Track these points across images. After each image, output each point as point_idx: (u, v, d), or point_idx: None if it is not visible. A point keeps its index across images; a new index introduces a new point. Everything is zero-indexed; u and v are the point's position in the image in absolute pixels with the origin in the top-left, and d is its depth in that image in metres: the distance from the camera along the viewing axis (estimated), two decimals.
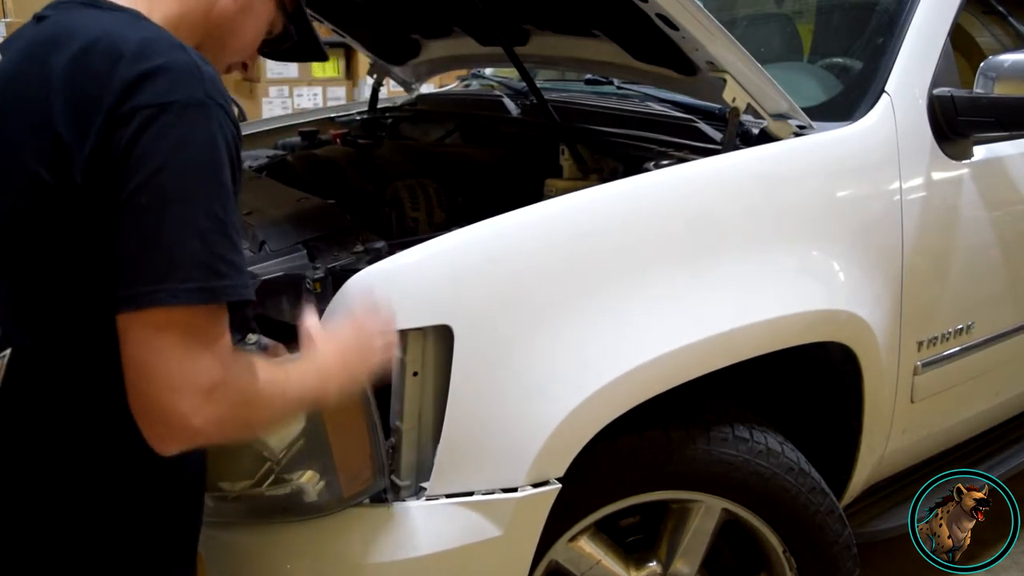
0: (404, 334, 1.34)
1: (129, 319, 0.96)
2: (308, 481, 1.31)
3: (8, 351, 1.04)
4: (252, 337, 1.30)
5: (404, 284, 1.38)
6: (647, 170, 1.63)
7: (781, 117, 1.73)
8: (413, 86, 2.91)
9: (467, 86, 3.04)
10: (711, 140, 1.83)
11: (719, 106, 1.82)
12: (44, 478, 1.07)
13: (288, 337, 1.40)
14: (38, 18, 1.12)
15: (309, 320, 1.20)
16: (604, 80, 2.33)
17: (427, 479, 1.37)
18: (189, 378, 0.95)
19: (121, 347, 0.97)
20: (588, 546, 1.60)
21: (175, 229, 0.96)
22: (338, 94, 5.36)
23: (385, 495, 1.37)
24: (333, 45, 5.24)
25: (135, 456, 1.04)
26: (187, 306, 0.96)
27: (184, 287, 0.96)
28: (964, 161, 1.95)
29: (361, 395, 1.31)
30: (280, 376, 1.08)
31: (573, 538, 1.57)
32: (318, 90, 5.40)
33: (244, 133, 2.63)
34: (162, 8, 1.13)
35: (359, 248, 1.65)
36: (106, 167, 0.98)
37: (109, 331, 0.98)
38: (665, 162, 1.70)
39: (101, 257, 1.00)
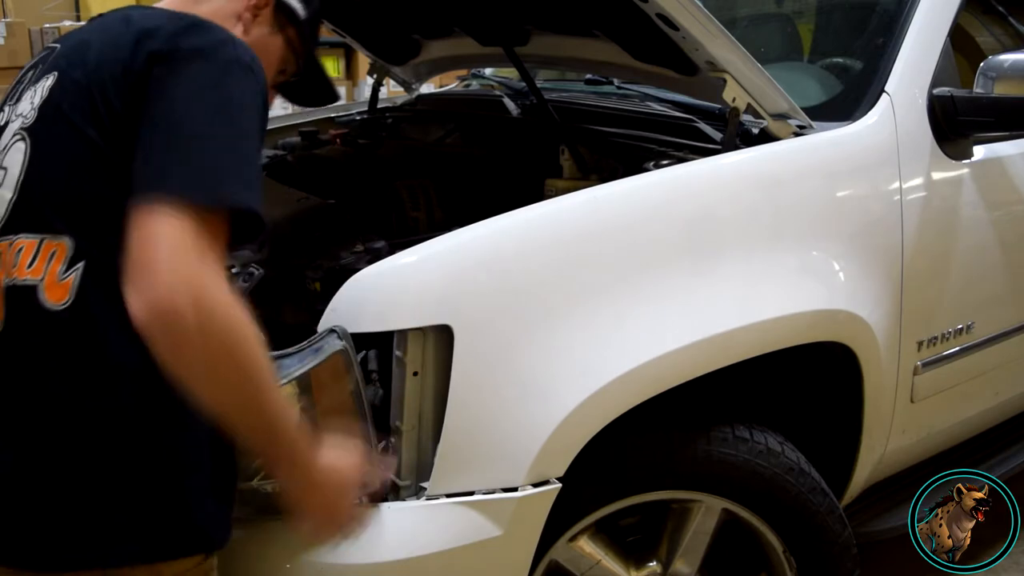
0: (404, 334, 1.34)
1: (149, 211, 1.01)
2: None
3: (82, 264, 1.12)
4: None
5: (404, 284, 1.38)
6: (647, 170, 1.63)
7: (781, 117, 1.73)
8: (413, 86, 2.91)
9: (467, 86, 3.04)
10: (711, 140, 1.83)
11: (719, 106, 1.82)
12: (102, 389, 1.12)
13: (287, 337, 1.40)
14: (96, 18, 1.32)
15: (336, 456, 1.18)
16: (604, 80, 2.33)
17: (427, 479, 1.37)
18: (184, 262, 0.99)
19: (132, 233, 1.01)
20: (588, 546, 1.60)
21: (199, 138, 1.07)
22: (338, 94, 5.36)
23: (385, 495, 1.38)
24: (333, 45, 5.25)
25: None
26: (203, 206, 1.03)
27: (203, 187, 1.04)
28: (964, 161, 1.95)
29: (353, 393, 1.31)
30: (270, 378, 1.07)
31: (573, 538, 1.57)
32: None
33: None
34: None
35: (359, 248, 1.65)
36: (142, 97, 1.11)
37: None
38: (665, 162, 1.70)
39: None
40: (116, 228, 1.11)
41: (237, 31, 1.32)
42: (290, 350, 1.31)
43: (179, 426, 1.16)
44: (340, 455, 1.16)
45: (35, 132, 1.20)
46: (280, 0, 1.37)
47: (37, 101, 1.21)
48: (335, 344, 1.30)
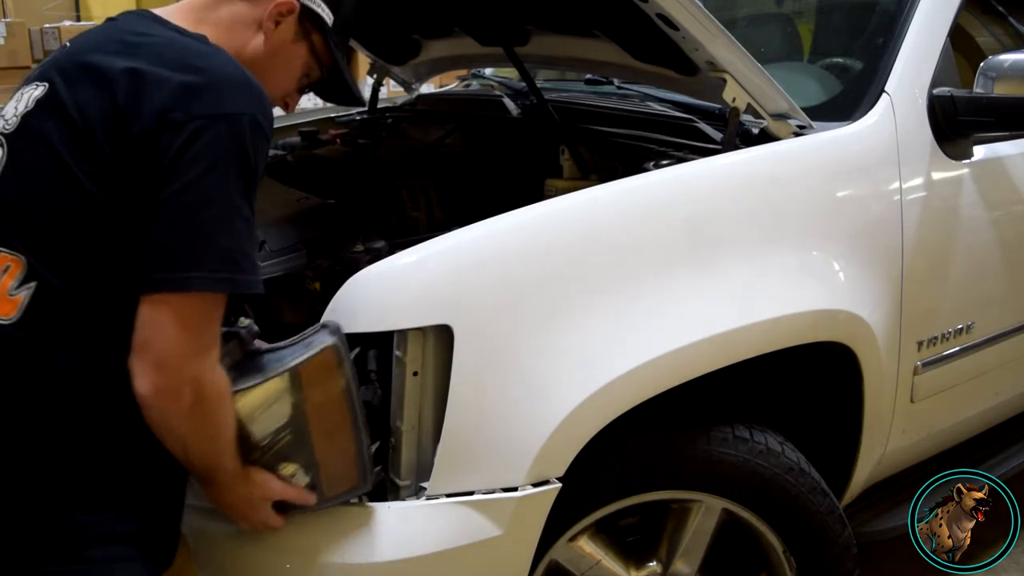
0: (404, 334, 1.34)
1: (160, 298, 1.10)
2: (289, 474, 1.30)
3: (34, 284, 1.14)
4: (244, 321, 1.30)
5: (404, 284, 1.38)
6: (647, 170, 1.63)
7: (781, 117, 1.73)
8: (413, 86, 2.91)
9: (467, 86, 3.04)
10: (711, 140, 1.83)
11: (719, 106, 1.82)
12: (36, 408, 1.15)
13: (287, 337, 1.40)
14: (110, 20, 1.31)
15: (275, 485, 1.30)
16: (604, 80, 2.33)
17: (427, 479, 1.37)
18: (191, 356, 1.12)
19: (142, 315, 1.11)
20: (588, 546, 1.60)
21: (213, 226, 1.11)
22: None
23: (386, 496, 1.38)
24: None
25: (123, 407, 1.14)
26: (212, 293, 1.12)
27: (215, 276, 1.11)
28: (964, 161, 1.95)
29: (344, 389, 1.29)
30: (232, 434, 1.22)
31: (573, 538, 1.57)
32: None
33: None
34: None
35: (359, 248, 1.65)
36: (150, 162, 1.10)
37: (126, 289, 1.13)
38: (665, 162, 1.70)
39: (128, 231, 1.13)
40: (73, 259, 1.14)
41: (257, 40, 1.30)
42: (282, 343, 1.31)
43: (119, 448, 1.18)
44: (259, 482, 1.28)
45: (13, 142, 1.19)
46: (306, 6, 1.33)
47: (21, 109, 1.20)
48: (326, 340, 1.29)
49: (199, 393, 1.13)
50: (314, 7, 1.34)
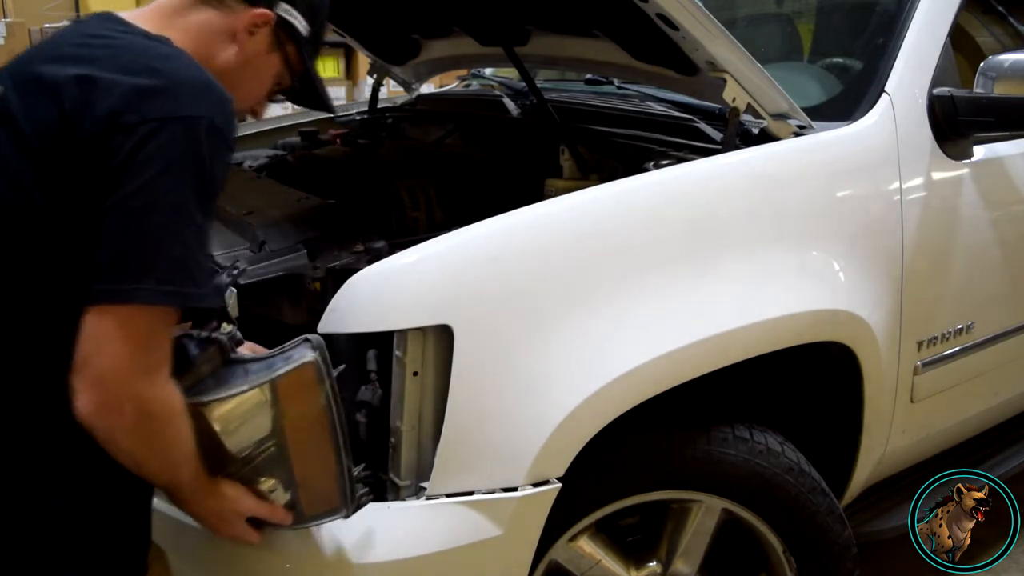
0: (404, 334, 1.34)
1: (103, 309, 1.05)
2: (268, 490, 1.27)
3: None
4: (227, 327, 1.27)
5: (404, 284, 1.38)
6: (647, 170, 1.63)
7: (781, 117, 1.73)
8: (413, 86, 2.92)
9: (467, 86, 3.04)
10: (711, 140, 1.83)
11: (719, 106, 1.82)
12: None
13: (287, 337, 1.40)
14: (76, 22, 1.30)
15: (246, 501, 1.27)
16: (604, 80, 2.33)
17: (427, 479, 1.37)
18: (133, 374, 1.06)
19: (84, 328, 1.05)
20: (588, 546, 1.60)
21: (162, 234, 1.04)
22: (338, 94, 5.35)
23: (386, 495, 1.38)
24: (333, 45, 5.25)
25: (75, 426, 1.09)
26: (159, 306, 1.07)
27: (162, 289, 1.06)
28: (964, 161, 1.95)
29: (324, 406, 1.26)
30: (189, 448, 1.17)
31: (573, 538, 1.57)
32: None
33: (244, 133, 2.64)
34: None
35: (359, 248, 1.65)
36: (100, 166, 1.06)
37: (67, 314, 1.07)
38: (665, 162, 1.70)
39: (76, 242, 1.07)
40: (18, 270, 1.10)
41: (230, 51, 1.27)
42: (261, 355, 1.28)
43: (71, 468, 1.15)
44: (230, 496, 1.25)
45: None
46: (282, 17, 1.30)
47: None
48: (306, 355, 1.24)
49: (142, 410, 1.08)
50: (290, 19, 1.31)
